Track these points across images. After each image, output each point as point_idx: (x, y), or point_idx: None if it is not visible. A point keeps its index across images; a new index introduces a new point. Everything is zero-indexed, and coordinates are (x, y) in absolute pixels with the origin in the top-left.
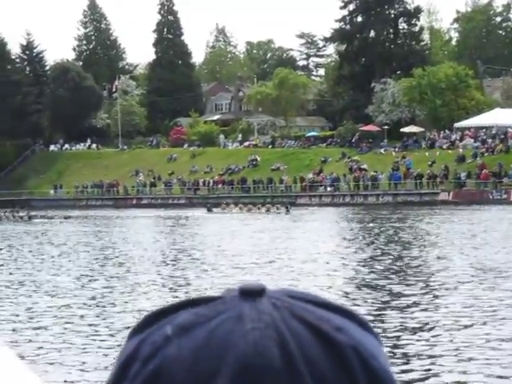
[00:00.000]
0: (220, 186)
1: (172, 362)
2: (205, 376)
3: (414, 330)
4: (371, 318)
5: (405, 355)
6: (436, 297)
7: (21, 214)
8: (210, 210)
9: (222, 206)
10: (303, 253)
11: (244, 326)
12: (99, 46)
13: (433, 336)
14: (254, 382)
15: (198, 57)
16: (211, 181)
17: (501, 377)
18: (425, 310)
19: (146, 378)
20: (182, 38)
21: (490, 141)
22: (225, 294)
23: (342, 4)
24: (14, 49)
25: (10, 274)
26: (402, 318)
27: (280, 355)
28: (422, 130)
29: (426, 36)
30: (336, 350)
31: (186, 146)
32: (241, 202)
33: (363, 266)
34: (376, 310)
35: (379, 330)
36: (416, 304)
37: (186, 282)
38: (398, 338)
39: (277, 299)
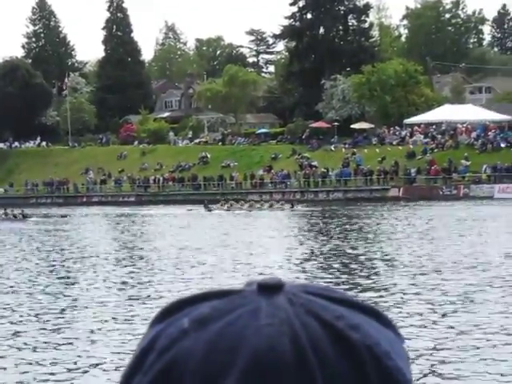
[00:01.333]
0: (170, 183)
1: (186, 355)
2: (217, 369)
3: None
4: None
5: None
6: (383, 291)
7: (15, 212)
8: (207, 208)
9: (221, 203)
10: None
11: (259, 322)
12: (48, 44)
13: None
14: (266, 377)
15: (147, 54)
16: (161, 178)
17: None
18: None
19: (160, 369)
20: (132, 35)
21: (439, 137)
22: (244, 287)
23: (292, 1)
24: None
25: None
26: None
27: (292, 351)
28: (372, 126)
29: (375, 32)
30: (349, 348)
31: (135, 143)
32: (242, 198)
33: (306, 262)
34: None
35: None
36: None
37: (136, 281)
38: None
39: (294, 295)
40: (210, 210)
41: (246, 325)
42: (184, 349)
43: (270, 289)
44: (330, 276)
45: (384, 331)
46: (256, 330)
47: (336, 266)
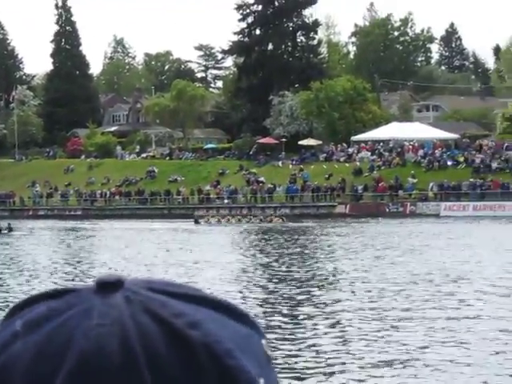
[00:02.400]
0: (117, 197)
1: (15, 359)
2: (45, 373)
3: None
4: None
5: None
6: (323, 306)
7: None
8: (197, 222)
9: (206, 218)
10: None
11: (90, 322)
12: None
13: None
14: (92, 379)
15: (96, 68)
16: (108, 192)
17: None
18: (311, 317)
19: None
20: (80, 48)
21: (386, 154)
22: (82, 286)
23: (241, 17)
24: None
25: None
26: (290, 329)
27: (120, 352)
28: (320, 142)
29: (324, 49)
30: (186, 347)
31: (83, 157)
32: (229, 214)
33: (248, 276)
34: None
35: None
36: (304, 313)
37: None
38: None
39: (133, 293)
40: (197, 223)
41: (76, 325)
42: (13, 353)
43: (107, 286)
44: (258, 290)
45: (234, 327)
46: (86, 330)
47: (265, 283)
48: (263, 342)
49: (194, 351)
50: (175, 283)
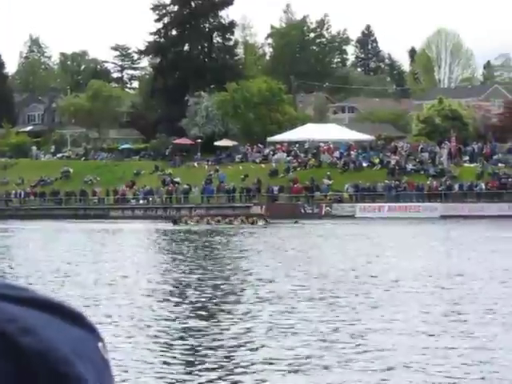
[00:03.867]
0: (32, 197)
1: None
2: None
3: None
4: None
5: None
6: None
7: None
8: (175, 223)
9: (184, 219)
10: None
11: None
12: None
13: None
14: None
15: (11, 67)
16: (23, 192)
17: None
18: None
19: None
20: None
21: (302, 155)
22: None
23: (157, 17)
24: None
25: None
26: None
27: None
28: (236, 143)
29: (240, 50)
30: (18, 355)
31: None
32: (209, 214)
33: (160, 278)
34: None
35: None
36: (210, 311)
37: None
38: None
39: None
40: (176, 223)
41: None
42: None
43: None
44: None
45: (69, 330)
46: None
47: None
48: (100, 345)
49: (28, 360)
50: (11, 285)
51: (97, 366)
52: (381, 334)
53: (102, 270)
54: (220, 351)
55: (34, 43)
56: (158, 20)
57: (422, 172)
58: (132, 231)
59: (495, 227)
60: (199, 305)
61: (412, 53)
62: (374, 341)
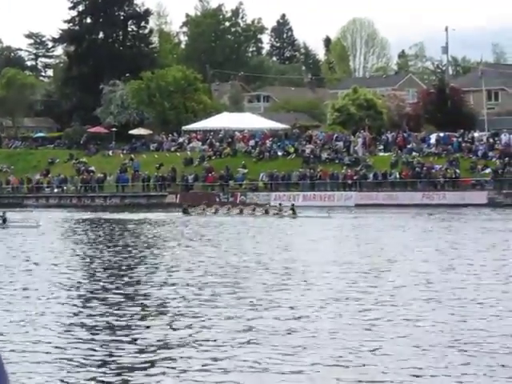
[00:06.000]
0: None
1: None
2: None
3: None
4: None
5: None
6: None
7: None
8: (186, 212)
9: (201, 207)
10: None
11: None
12: None
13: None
14: None
15: None
16: None
17: None
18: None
19: None
20: None
21: (217, 144)
22: None
23: (71, 5)
24: None
25: None
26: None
27: None
28: (151, 132)
29: (155, 39)
30: None
31: None
32: (229, 203)
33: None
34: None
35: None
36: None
37: None
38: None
39: None
40: (187, 213)
41: None
42: None
43: None
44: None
45: None
46: None
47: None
48: None
49: None
50: None
51: None
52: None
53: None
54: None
55: None
56: (72, 8)
57: (337, 161)
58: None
59: (407, 216)
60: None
61: (327, 42)
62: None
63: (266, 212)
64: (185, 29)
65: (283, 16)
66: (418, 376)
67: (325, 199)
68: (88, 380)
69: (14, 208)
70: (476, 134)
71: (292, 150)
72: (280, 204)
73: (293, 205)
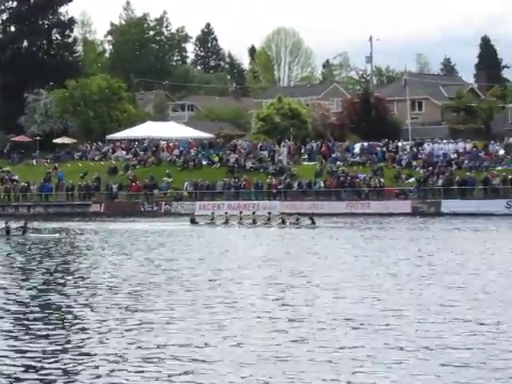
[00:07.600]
0: None
1: None
2: None
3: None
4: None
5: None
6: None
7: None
8: (194, 222)
9: (209, 217)
10: None
11: None
12: None
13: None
14: None
15: None
16: None
17: None
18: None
19: None
20: None
21: (141, 153)
22: None
23: None
24: None
25: None
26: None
27: None
28: (75, 141)
29: (79, 47)
30: None
31: None
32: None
33: None
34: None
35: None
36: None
37: None
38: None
39: None
40: (195, 223)
41: None
42: None
43: None
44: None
45: None
46: None
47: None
48: None
49: None
50: None
51: None
52: None
53: None
54: None
55: None
56: None
57: (262, 170)
58: None
59: (332, 225)
60: None
61: (252, 51)
62: None
63: (283, 222)
64: (109, 37)
65: (208, 25)
66: None
67: (249, 208)
68: None
69: None
70: (400, 144)
71: (217, 159)
72: (298, 214)
73: (312, 214)
